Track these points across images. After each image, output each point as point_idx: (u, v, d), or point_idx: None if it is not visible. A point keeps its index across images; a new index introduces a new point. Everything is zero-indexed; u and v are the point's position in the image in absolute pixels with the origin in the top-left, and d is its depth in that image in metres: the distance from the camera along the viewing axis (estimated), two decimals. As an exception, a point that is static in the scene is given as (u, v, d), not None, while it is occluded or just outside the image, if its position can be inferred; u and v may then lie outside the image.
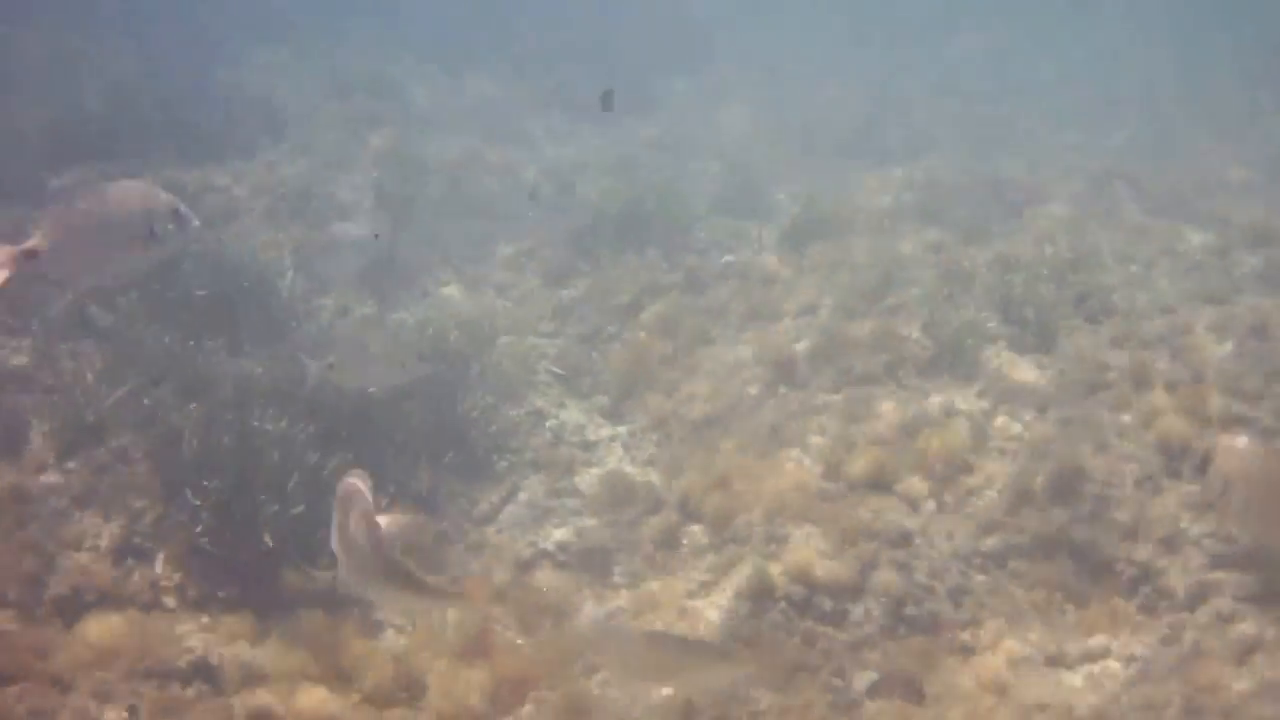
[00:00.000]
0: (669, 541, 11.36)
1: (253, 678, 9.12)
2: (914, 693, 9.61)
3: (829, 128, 25.50)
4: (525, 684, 9.54)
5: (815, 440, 11.98)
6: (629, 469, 12.71)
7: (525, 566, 11.43)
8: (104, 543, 10.32)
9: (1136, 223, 17.75)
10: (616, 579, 11.19)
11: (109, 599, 9.89)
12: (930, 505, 11.20)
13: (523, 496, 12.29)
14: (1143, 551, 10.50)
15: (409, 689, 9.40)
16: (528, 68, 28.02)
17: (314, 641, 9.59)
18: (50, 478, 10.83)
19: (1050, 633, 10.07)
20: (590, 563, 11.33)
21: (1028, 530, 10.79)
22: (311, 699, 8.84)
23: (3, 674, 8.64)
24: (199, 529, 10.28)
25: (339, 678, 9.34)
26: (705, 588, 10.62)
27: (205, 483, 10.38)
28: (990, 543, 10.80)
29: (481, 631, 9.98)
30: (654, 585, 10.79)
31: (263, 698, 8.74)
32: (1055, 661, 9.86)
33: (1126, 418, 11.75)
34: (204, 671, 9.17)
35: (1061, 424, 11.90)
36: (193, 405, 10.98)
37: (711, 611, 10.33)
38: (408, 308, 15.55)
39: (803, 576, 10.34)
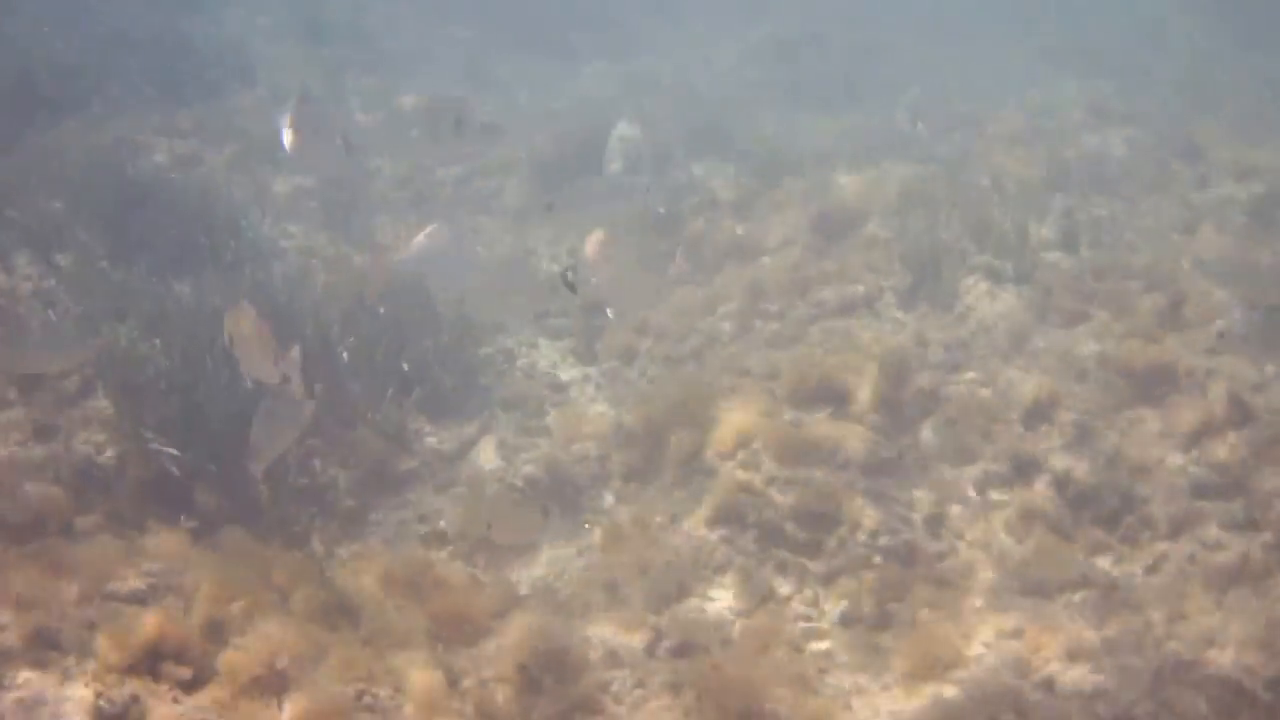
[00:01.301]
0: (639, 474, 11.30)
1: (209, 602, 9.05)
2: (887, 622, 9.62)
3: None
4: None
5: (790, 370, 11.91)
6: (600, 407, 12.66)
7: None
8: (66, 474, 10.25)
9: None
10: (587, 513, 11.14)
11: (70, 530, 9.83)
12: (909, 434, 11.20)
13: (492, 435, 12.23)
14: (1124, 480, 10.51)
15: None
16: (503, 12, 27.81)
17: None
18: (11, 413, 10.75)
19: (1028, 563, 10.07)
20: (559, 496, 11.27)
21: (1002, 459, 10.81)
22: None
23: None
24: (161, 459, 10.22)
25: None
26: (676, 519, 10.57)
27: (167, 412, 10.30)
28: (969, 471, 10.81)
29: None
30: (624, 516, 10.74)
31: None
32: (1033, 592, 9.86)
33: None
34: (162, 595, 9.09)
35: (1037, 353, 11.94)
36: (156, 340, 10.91)
37: (680, 540, 10.27)
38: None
39: (773, 504, 10.34)
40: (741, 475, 10.53)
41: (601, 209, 15.39)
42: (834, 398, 11.40)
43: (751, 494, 10.39)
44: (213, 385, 10.43)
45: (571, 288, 8.81)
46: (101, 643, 8.06)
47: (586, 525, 10.75)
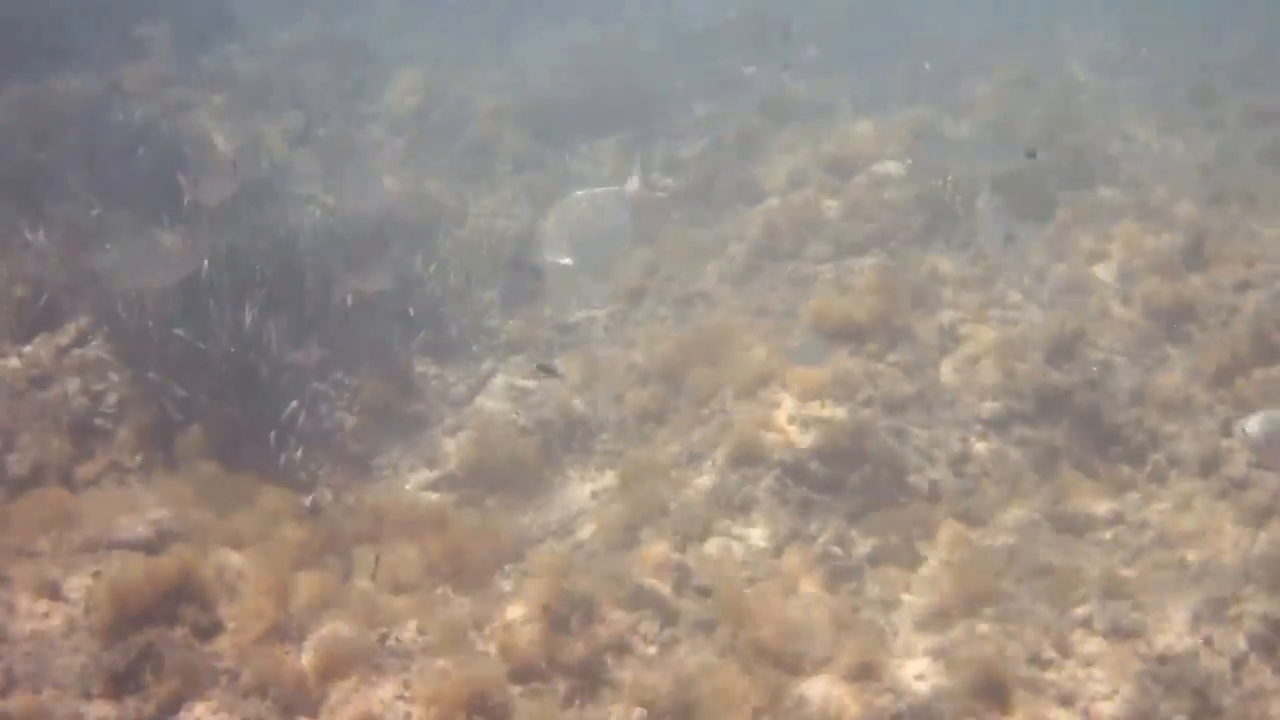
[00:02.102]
0: (653, 414, 10.95)
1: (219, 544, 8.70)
2: (912, 559, 9.34)
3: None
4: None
5: (807, 308, 11.57)
6: (610, 348, 12.32)
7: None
8: (65, 421, 9.89)
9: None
10: (598, 457, 10.83)
11: (71, 479, 9.49)
12: (929, 372, 10.89)
13: (500, 378, 11.90)
14: (1151, 418, 10.24)
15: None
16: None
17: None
18: (9, 362, 10.36)
19: (1056, 500, 9.81)
20: (572, 438, 10.95)
21: (1029, 396, 10.52)
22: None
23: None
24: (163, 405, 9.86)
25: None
26: (694, 459, 10.26)
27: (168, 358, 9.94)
28: (992, 408, 10.52)
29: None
30: (640, 456, 10.41)
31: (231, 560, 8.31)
32: (1064, 528, 9.61)
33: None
34: (168, 542, 8.73)
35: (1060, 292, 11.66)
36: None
37: (702, 479, 9.98)
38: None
39: (792, 443, 10.03)
40: (762, 413, 10.22)
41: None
42: (853, 335, 11.09)
43: (773, 432, 10.09)
44: (216, 328, 10.05)
45: (535, 274, 8.32)
46: (109, 591, 7.74)
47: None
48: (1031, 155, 10.93)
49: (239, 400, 9.93)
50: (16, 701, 6.96)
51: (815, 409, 10.19)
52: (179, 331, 9.98)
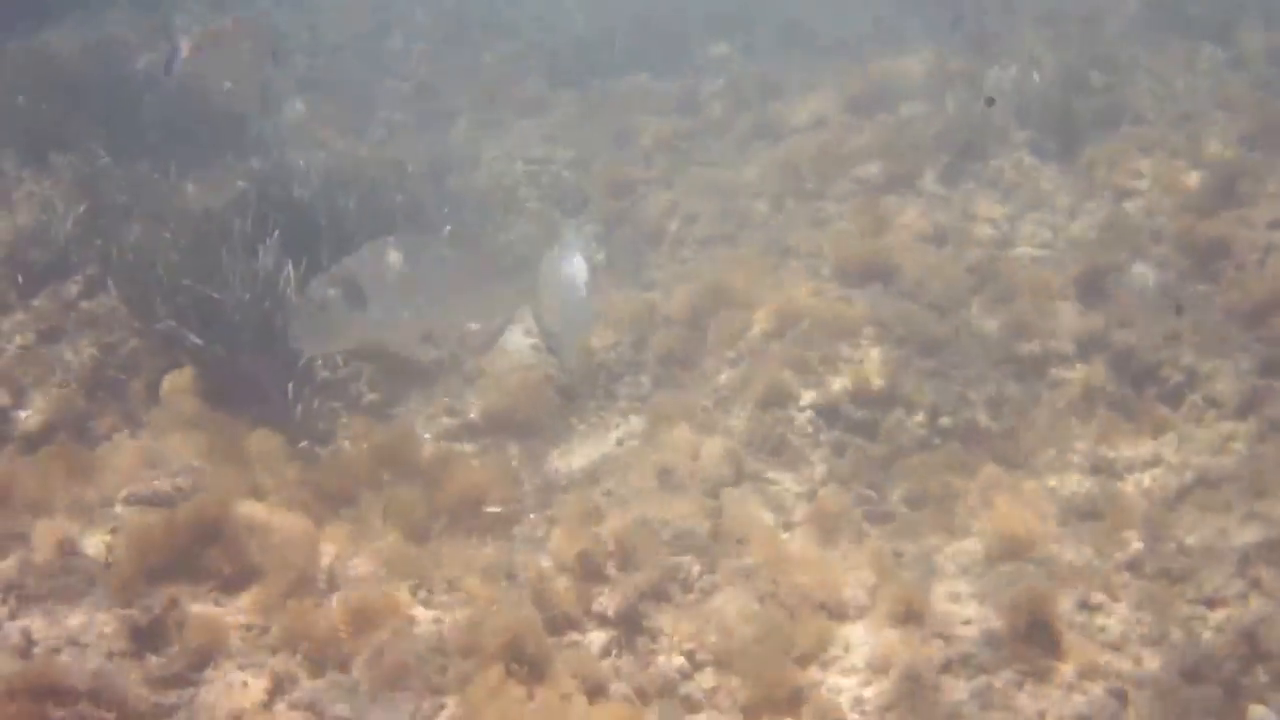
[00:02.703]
0: (679, 357, 10.56)
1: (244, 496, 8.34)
2: (951, 504, 9.00)
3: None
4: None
5: (832, 248, 11.22)
6: (631, 291, 11.92)
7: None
8: (76, 375, 9.54)
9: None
10: (622, 401, 10.46)
11: (84, 433, 9.15)
12: (961, 312, 10.54)
13: (519, 324, 11.52)
14: (1187, 357, 9.89)
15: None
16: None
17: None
18: (15, 316, 9.99)
19: (1094, 442, 9.47)
20: (593, 383, 10.58)
21: (1063, 336, 10.17)
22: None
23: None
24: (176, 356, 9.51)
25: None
26: (723, 402, 9.91)
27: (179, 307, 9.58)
28: (1026, 347, 10.17)
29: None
30: (667, 400, 10.07)
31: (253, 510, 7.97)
32: (1102, 470, 9.28)
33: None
34: (187, 495, 8.39)
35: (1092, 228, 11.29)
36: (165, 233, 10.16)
37: (733, 422, 9.62)
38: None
39: (827, 384, 9.68)
40: (793, 354, 9.87)
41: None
42: (881, 275, 10.73)
43: (805, 374, 9.74)
44: (229, 277, 9.68)
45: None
46: (129, 545, 7.42)
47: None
48: (990, 103, 10.49)
49: (254, 350, 9.56)
50: (36, 662, 6.66)
51: (847, 350, 9.87)
52: (189, 282, 9.60)
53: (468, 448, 9.90)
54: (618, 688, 7.16)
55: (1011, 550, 8.29)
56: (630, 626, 7.65)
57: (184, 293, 9.57)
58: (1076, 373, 9.90)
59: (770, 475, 9.14)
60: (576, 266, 7.17)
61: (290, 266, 9.74)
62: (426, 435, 10.01)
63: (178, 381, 9.34)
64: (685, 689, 7.35)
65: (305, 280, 9.08)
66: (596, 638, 7.57)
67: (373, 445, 9.16)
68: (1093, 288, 10.48)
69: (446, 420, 10.23)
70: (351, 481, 8.78)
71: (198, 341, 9.28)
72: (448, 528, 8.65)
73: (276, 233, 9.85)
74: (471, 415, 10.23)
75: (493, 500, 8.96)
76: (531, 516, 8.97)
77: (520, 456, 9.78)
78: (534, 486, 9.39)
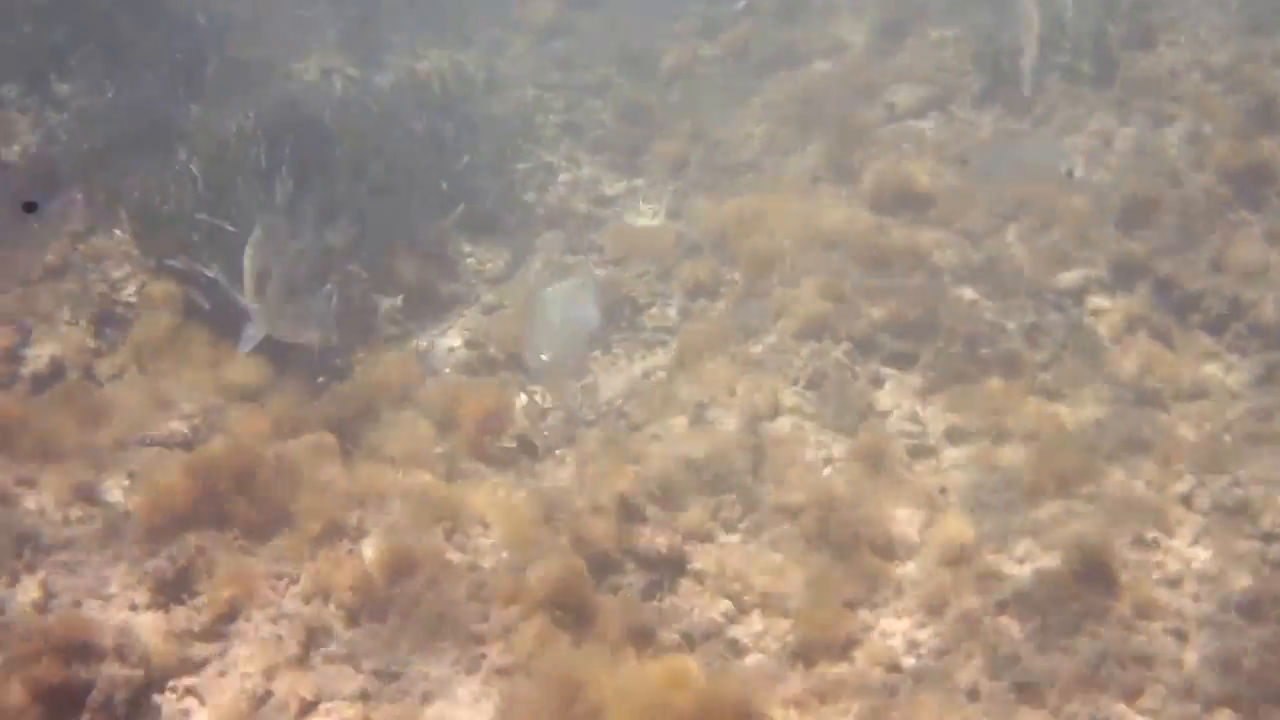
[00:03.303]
0: (706, 287, 10.09)
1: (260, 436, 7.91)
2: (998, 434, 8.60)
3: None
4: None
5: (863, 177, 10.72)
6: (652, 220, 11.48)
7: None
8: (84, 312, 9.06)
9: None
10: (648, 334, 9.98)
11: (92, 371, 8.67)
12: (994, 240, 10.10)
13: (539, 254, 11.07)
14: (1230, 285, 9.46)
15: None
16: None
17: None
18: (18, 251, 9.46)
19: (1138, 372, 9.03)
20: (619, 314, 10.11)
21: (1103, 264, 9.74)
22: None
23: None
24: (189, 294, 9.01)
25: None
26: (754, 333, 9.47)
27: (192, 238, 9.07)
28: (1066, 277, 9.75)
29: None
30: (695, 332, 9.61)
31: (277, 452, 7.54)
32: (1148, 401, 8.88)
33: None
34: (205, 436, 7.98)
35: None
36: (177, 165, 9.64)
37: (765, 354, 9.14)
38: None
39: (863, 315, 9.22)
40: (829, 283, 9.44)
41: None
42: (915, 203, 10.27)
43: (841, 302, 9.32)
44: (244, 207, 9.19)
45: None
46: (150, 492, 7.00)
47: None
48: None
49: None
50: (57, 616, 6.26)
51: (884, 279, 9.44)
52: (202, 216, 9.11)
53: (487, 380, 9.43)
54: (666, 635, 6.77)
55: (1062, 484, 7.90)
56: (673, 568, 7.27)
57: (198, 226, 9.08)
58: (1117, 302, 9.49)
59: (807, 409, 8.72)
60: (582, 306, 6.63)
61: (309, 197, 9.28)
62: (446, 369, 9.59)
63: (191, 319, 8.86)
64: (732, 633, 6.98)
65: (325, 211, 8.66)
66: (638, 580, 7.19)
67: (387, 377, 8.79)
68: (1132, 216, 10.01)
69: (465, 353, 9.80)
70: (370, 416, 8.39)
71: (211, 274, 8.79)
72: (471, 462, 8.27)
73: (289, 162, 9.36)
74: (490, 349, 9.79)
75: (514, 433, 8.61)
76: (557, 452, 8.58)
77: (542, 389, 9.32)
78: (557, 420, 8.96)
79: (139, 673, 5.96)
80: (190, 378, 8.36)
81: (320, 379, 8.84)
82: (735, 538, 7.55)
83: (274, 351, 8.55)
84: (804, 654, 6.78)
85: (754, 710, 6.02)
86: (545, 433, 8.72)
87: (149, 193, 9.43)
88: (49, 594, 6.40)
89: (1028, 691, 6.52)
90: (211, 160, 9.57)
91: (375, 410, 8.48)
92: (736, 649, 6.92)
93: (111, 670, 5.91)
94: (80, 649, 5.89)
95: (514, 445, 8.51)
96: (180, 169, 9.54)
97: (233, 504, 6.93)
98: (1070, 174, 8.59)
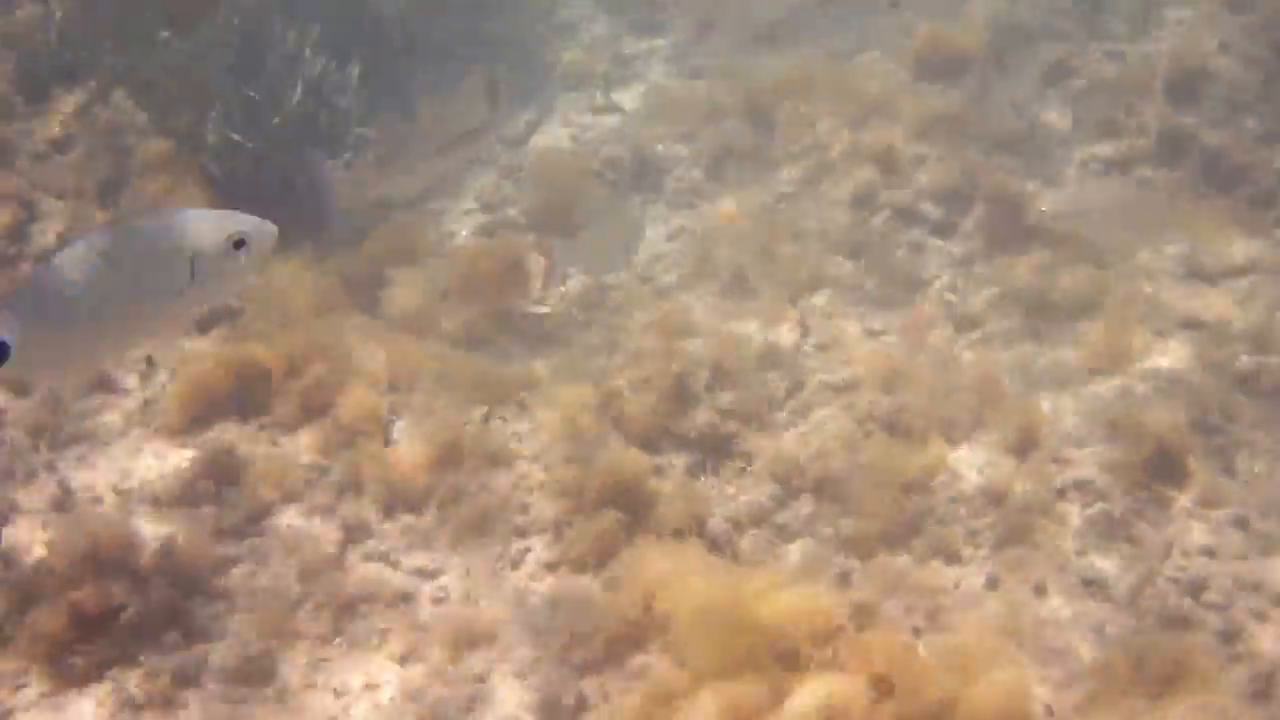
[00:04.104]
0: (737, 152, 9.36)
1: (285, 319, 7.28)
2: (1040, 307, 8.00)
3: None
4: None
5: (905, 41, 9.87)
6: (680, 81, 10.64)
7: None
8: (90, 186, 8.36)
9: None
10: (673, 196, 9.28)
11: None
12: (1037, 106, 9.38)
13: (556, 116, 10.35)
14: (1280, 159, 8.77)
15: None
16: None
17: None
18: (24, 124, 8.72)
19: (1186, 245, 8.42)
20: (644, 180, 9.40)
21: (1149, 134, 9.03)
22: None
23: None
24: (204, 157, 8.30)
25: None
26: (787, 199, 8.82)
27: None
28: (1113, 147, 9.06)
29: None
30: (728, 201, 8.95)
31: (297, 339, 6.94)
32: (1195, 275, 8.26)
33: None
34: (223, 317, 7.39)
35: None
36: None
37: (805, 222, 8.47)
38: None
39: (906, 183, 8.59)
40: (867, 146, 8.75)
41: None
42: (954, 69, 9.53)
43: (881, 167, 8.64)
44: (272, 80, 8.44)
45: None
46: (172, 380, 6.42)
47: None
48: (895, 4, 9.12)
49: (291, 151, 8.41)
50: (77, 514, 5.71)
51: (925, 147, 8.77)
52: (220, 83, 8.38)
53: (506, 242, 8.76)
54: (716, 523, 6.23)
55: (1116, 362, 7.34)
56: (718, 452, 6.70)
57: (215, 95, 8.36)
58: (1161, 173, 8.82)
59: (846, 281, 8.10)
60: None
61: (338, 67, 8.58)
62: (464, 231, 8.94)
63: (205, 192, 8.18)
64: (780, 518, 6.42)
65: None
66: (681, 463, 6.63)
67: (404, 241, 8.27)
68: (1178, 87, 9.25)
69: (483, 217, 9.15)
70: (387, 281, 7.84)
71: (235, 136, 8.09)
72: (495, 333, 7.74)
73: (316, 32, 8.60)
74: (509, 210, 9.14)
75: (539, 300, 8.04)
76: (580, 318, 7.97)
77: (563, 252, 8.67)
78: (582, 285, 8.31)
79: (168, 578, 5.43)
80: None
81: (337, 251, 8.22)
82: (782, 416, 6.96)
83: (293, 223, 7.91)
84: (859, 542, 6.23)
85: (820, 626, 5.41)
86: (565, 295, 8.11)
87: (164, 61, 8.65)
88: (67, 491, 5.85)
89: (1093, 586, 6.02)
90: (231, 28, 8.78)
91: (392, 274, 7.89)
92: (785, 534, 6.35)
93: (141, 576, 5.39)
94: (109, 555, 5.35)
95: (544, 310, 7.93)
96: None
97: (258, 393, 6.35)
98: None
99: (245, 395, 6.38)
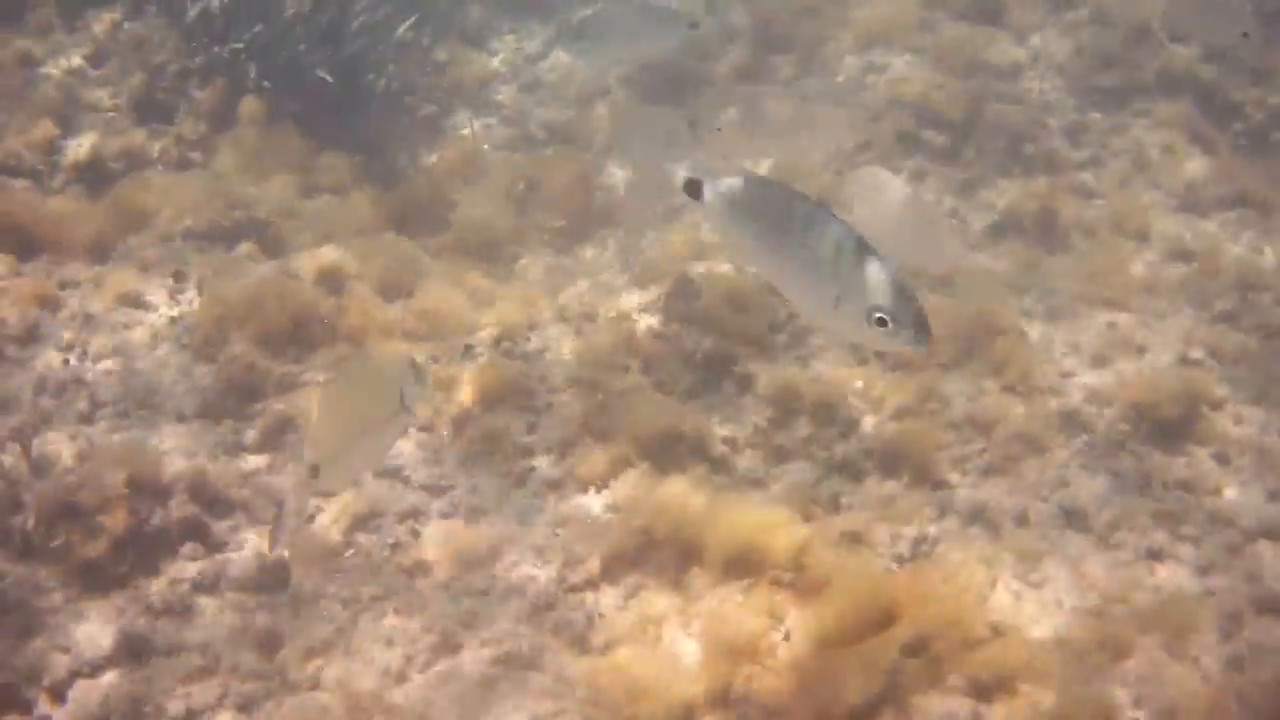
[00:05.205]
0: (748, 72, 9.09)
1: (313, 237, 7.11)
2: (1046, 230, 7.81)
3: None
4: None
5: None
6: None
7: (586, 101, 9.17)
8: (124, 101, 8.20)
9: None
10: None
11: (136, 162, 7.82)
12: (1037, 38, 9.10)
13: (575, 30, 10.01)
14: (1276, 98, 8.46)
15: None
16: None
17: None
18: (57, 37, 8.53)
19: (1178, 178, 8.19)
20: (659, 97, 9.04)
21: (1147, 69, 8.75)
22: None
23: (25, 244, 6.72)
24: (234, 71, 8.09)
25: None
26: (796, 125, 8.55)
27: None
28: (1109, 78, 8.79)
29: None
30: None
31: (328, 256, 6.86)
32: (1188, 208, 8.04)
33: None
34: (254, 230, 7.26)
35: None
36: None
37: (816, 155, 8.23)
38: None
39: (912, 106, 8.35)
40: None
41: None
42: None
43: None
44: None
45: None
46: (200, 296, 6.33)
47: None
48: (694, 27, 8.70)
49: (317, 66, 8.20)
50: (102, 426, 5.66)
51: (930, 73, 8.53)
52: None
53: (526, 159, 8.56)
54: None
55: (1115, 298, 7.14)
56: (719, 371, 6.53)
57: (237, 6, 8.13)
58: (1161, 106, 8.55)
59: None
60: None
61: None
62: (485, 145, 8.72)
63: (243, 106, 7.99)
64: (777, 439, 6.28)
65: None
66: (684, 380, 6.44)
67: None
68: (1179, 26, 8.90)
69: (503, 130, 8.94)
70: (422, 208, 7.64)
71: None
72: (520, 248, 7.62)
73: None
74: (530, 125, 8.94)
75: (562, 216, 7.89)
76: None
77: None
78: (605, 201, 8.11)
79: (189, 495, 5.39)
80: (236, 165, 7.62)
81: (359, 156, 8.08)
82: (782, 337, 6.78)
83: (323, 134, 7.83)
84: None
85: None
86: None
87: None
88: (94, 404, 5.80)
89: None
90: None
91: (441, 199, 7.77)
92: (781, 454, 6.20)
93: (164, 495, 5.35)
94: (132, 473, 5.30)
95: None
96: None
97: (282, 314, 6.26)
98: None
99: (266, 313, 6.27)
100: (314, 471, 3.93)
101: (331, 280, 6.63)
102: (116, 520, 5.06)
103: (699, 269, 7.00)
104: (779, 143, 7.65)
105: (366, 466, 5.06)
